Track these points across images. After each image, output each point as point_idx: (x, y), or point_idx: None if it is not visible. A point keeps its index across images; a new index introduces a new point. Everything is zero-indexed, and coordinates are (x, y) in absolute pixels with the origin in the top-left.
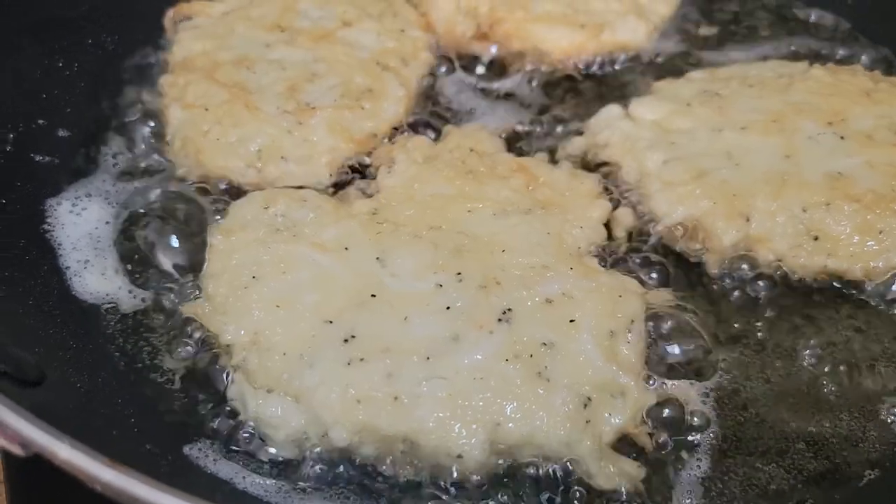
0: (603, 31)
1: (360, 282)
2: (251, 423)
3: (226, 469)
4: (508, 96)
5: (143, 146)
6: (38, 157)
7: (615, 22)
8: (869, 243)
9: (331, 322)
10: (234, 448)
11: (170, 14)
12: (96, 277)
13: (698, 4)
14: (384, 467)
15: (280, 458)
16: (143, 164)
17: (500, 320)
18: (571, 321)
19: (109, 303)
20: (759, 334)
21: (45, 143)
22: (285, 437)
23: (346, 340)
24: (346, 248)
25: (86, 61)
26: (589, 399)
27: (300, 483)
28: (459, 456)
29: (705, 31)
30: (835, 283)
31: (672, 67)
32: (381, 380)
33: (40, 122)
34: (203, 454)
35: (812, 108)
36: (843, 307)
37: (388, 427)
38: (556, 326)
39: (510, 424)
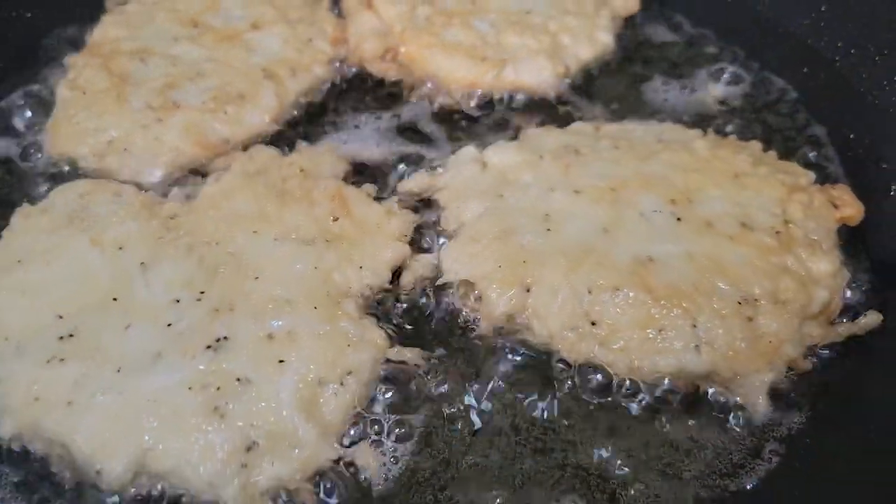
0: (504, 67)
1: (113, 284)
2: None
3: None
4: (392, 121)
5: (30, 119)
6: None
7: (522, 60)
8: (643, 339)
9: (60, 317)
10: None
11: None
12: None
13: (628, 52)
14: (52, 467)
15: None
16: (18, 136)
17: (209, 347)
18: (280, 361)
19: None
20: (484, 408)
21: None
22: None
23: (61, 338)
24: (121, 248)
25: (19, 31)
26: (255, 443)
27: None
28: (98, 471)
29: (620, 80)
30: (597, 376)
31: (564, 115)
32: (66, 383)
33: None
34: None
35: (663, 183)
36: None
37: (50, 429)
38: (262, 364)
39: (160, 452)
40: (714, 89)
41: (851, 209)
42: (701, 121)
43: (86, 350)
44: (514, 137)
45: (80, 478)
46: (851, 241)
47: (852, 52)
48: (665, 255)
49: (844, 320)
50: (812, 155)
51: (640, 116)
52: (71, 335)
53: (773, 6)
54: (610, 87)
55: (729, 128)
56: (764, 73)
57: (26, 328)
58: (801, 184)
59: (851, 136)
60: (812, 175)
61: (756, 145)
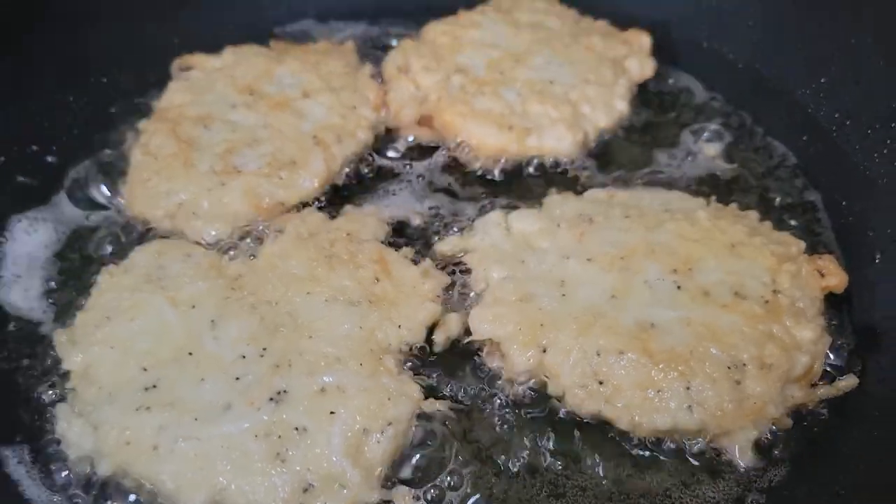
0: (529, 135)
1: (188, 339)
2: (59, 437)
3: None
4: (428, 184)
5: (107, 183)
6: (20, 178)
7: (544, 128)
8: (643, 399)
9: (145, 370)
10: (42, 456)
11: (176, 63)
12: (19, 292)
13: (642, 118)
14: (141, 499)
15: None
16: (99, 199)
17: (271, 399)
18: (332, 413)
19: (17, 315)
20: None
21: (32, 166)
22: (77, 458)
23: (146, 389)
24: (193, 307)
25: (94, 98)
26: (311, 485)
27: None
28: None
29: (634, 146)
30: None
31: (582, 180)
32: (152, 429)
33: (34, 148)
34: (14, 458)
35: (667, 252)
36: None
37: (139, 471)
38: (316, 415)
39: (233, 492)
40: (720, 154)
41: (836, 279)
42: (706, 183)
43: (167, 400)
44: (537, 201)
45: None
46: (836, 305)
47: (847, 122)
48: (665, 321)
49: (824, 382)
50: (805, 220)
51: (651, 179)
52: (154, 386)
53: (780, 74)
54: (624, 153)
55: (731, 192)
56: (767, 139)
57: (116, 379)
58: (791, 253)
59: (843, 203)
60: (803, 244)
61: (753, 215)
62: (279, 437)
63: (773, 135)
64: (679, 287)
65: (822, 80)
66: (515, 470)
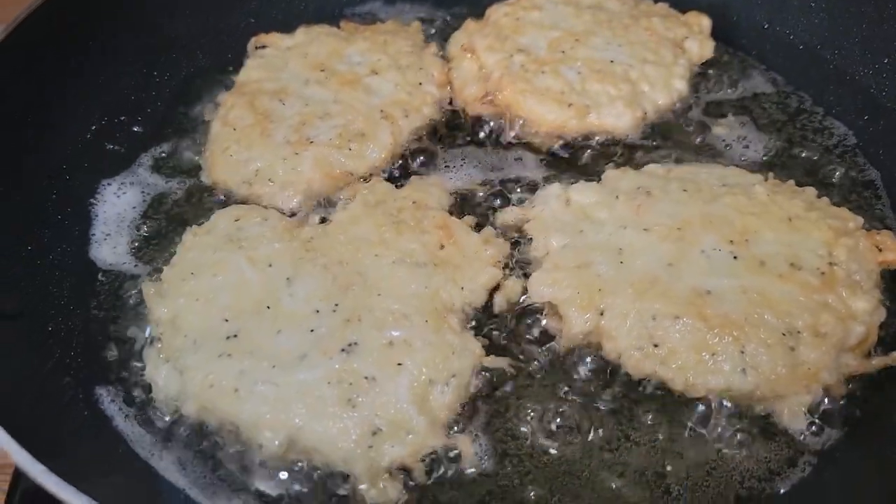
0: (589, 112)
1: (265, 294)
2: (146, 380)
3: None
4: (490, 159)
5: (189, 152)
6: (109, 146)
7: (603, 106)
8: (697, 361)
9: (226, 320)
10: (132, 395)
11: (252, 41)
12: (108, 249)
13: (701, 97)
14: (221, 439)
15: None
16: (183, 165)
17: (343, 350)
18: (399, 364)
19: (107, 269)
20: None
21: (120, 135)
22: (164, 398)
23: (228, 337)
24: (270, 265)
25: (177, 73)
26: (380, 429)
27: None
28: (260, 445)
29: (692, 125)
30: (658, 390)
31: (640, 157)
32: (233, 374)
33: (122, 118)
34: (108, 397)
35: (724, 224)
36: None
37: (222, 411)
38: (385, 366)
39: (307, 433)
40: (778, 133)
41: (893, 254)
42: (764, 163)
43: (247, 348)
44: (595, 177)
45: (245, 448)
46: (893, 280)
47: None
48: (721, 288)
49: (879, 353)
50: (864, 198)
51: (707, 158)
52: (235, 335)
53: (841, 54)
54: (682, 131)
55: (789, 170)
56: (827, 119)
57: (201, 328)
58: (848, 228)
59: None
60: (860, 220)
61: (811, 191)
62: (350, 384)
63: (834, 115)
64: (735, 257)
65: (885, 61)
66: (566, 425)
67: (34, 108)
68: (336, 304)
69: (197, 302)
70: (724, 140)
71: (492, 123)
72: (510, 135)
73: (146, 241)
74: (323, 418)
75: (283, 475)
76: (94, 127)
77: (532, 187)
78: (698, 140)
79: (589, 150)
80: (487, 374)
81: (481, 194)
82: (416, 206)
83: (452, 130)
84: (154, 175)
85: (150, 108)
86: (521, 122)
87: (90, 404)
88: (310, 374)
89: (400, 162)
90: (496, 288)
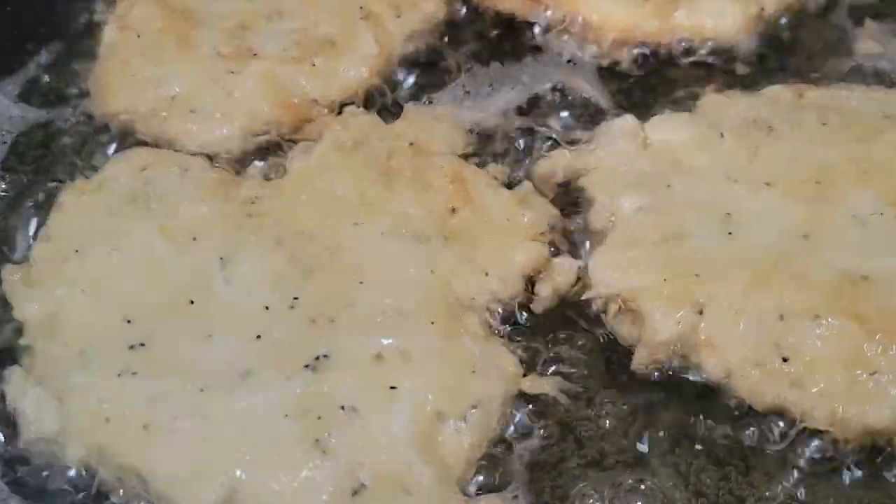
0: (677, 8)
1: (187, 281)
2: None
3: None
4: (527, 78)
5: (71, 67)
6: None
7: (699, 0)
8: (852, 384)
9: (129, 322)
10: None
11: None
12: None
13: None
14: (115, 499)
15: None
16: (61, 90)
17: (307, 366)
18: (392, 388)
19: None
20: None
21: None
22: (35, 438)
23: (131, 347)
24: (195, 239)
25: None
26: (363, 486)
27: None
28: None
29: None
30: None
31: (754, 76)
32: (140, 402)
33: None
34: None
35: (885, 175)
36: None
37: (123, 456)
38: (370, 390)
39: (252, 492)
40: None
41: None
42: None
43: (161, 363)
44: (687, 106)
45: None
46: None
47: None
48: (883, 272)
49: None
50: None
51: (858, 78)
52: (142, 344)
53: None
54: (816, 37)
55: None
56: None
57: (90, 332)
58: None
59: None
60: None
61: None
62: (319, 417)
63: None
64: None
65: None
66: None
67: None
68: (295, 298)
69: (83, 294)
70: (876, 49)
71: (532, 24)
72: (558, 42)
73: (10, 202)
74: (278, 469)
75: None
76: None
77: (591, 120)
78: (839, 49)
79: (677, 66)
80: (528, 404)
81: (512, 131)
82: (414, 150)
83: (467, 36)
84: (18, 105)
85: (12, 5)
86: (576, 20)
87: None
88: (257, 401)
89: (390, 84)
90: (538, 273)
